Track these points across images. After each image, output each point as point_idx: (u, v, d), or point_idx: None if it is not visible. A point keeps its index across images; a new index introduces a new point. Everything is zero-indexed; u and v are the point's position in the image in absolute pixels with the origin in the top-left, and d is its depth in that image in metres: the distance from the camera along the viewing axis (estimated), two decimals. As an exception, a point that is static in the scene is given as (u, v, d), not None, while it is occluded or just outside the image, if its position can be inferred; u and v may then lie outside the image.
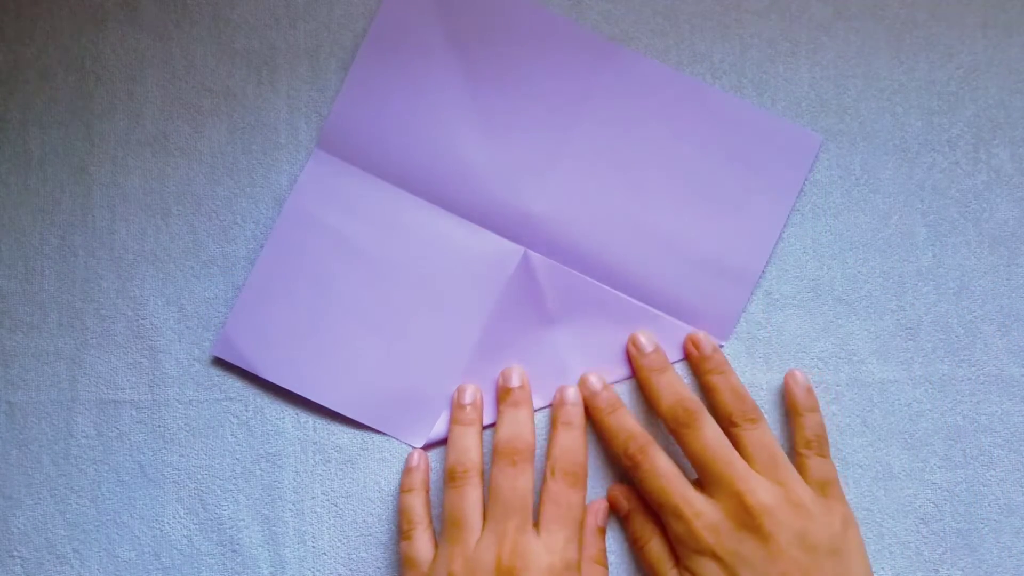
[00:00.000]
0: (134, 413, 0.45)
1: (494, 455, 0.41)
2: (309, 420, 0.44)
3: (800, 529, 0.38)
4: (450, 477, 0.41)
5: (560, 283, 0.44)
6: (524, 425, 0.41)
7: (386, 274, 0.44)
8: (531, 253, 0.44)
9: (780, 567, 0.38)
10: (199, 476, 0.45)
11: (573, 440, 0.41)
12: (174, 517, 0.44)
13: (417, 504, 0.42)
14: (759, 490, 0.39)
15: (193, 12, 0.46)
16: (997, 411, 0.43)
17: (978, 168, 0.44)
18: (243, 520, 0.44)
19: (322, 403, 0.44)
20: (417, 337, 0.44)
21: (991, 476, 0.43)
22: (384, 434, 0.44)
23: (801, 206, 0.44)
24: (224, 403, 0.45)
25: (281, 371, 0.44)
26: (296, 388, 0.44)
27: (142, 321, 0.45)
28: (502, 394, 0.43)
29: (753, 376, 0.44)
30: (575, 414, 0.42)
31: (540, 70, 0.44)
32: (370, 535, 0.44)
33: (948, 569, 0.43)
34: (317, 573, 0.44)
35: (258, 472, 0.44)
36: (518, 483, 0.40)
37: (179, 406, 0.45)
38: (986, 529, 0.43)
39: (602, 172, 0.44)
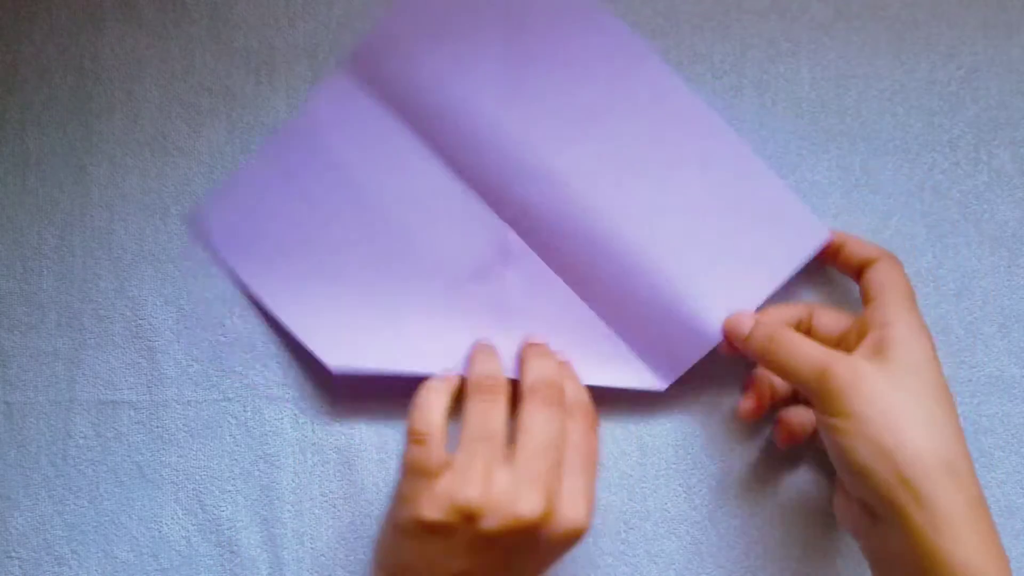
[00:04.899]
0: (132, 414, 0.45)
1: (529, 393, 0.39)
2: (308, 421, 0.44)
3: None
4: (476, 388, 0.39)
5: (528, 271, 0.44)
6: (554, 369, 0.41)
7: (371, 209, 0.44)
8: (512, 235, 0.44)
9: None
10: (197, 477, 0.44)
11: (578, 387, 0.41)
12: (172, 518, 0.44)
13: (437, 408, 0.39)
14: None
15: (192, 12, 0.46)
16: (998, 412, 0.43)
17: (979, 169, 0.44)
18: (241, 521, 0.44)
19: (264, 302, 0.44)
20: (381, 279, 0.44)
21: (992, 478, 0.43)
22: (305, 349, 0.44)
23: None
24: (223, 404, 0.45)
25: (241, 263, 0.44)
26: (249, 283, 0.44)
27: (140, 321, 0.45)
28: (526, 347, 0.42)
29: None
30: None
31: (580, 62, 0.43)
32: (369, 536, 0.44)
33: (948, 571, 0.43)
34: (316, 574, 0.44)
35: (256, 473, 0.44)
36: (550, 423, 0.38)
37: (177, 407, 0.45)
38: (986, 531, 0.43)
39: (605, 181, 0.43)
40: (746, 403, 0.42)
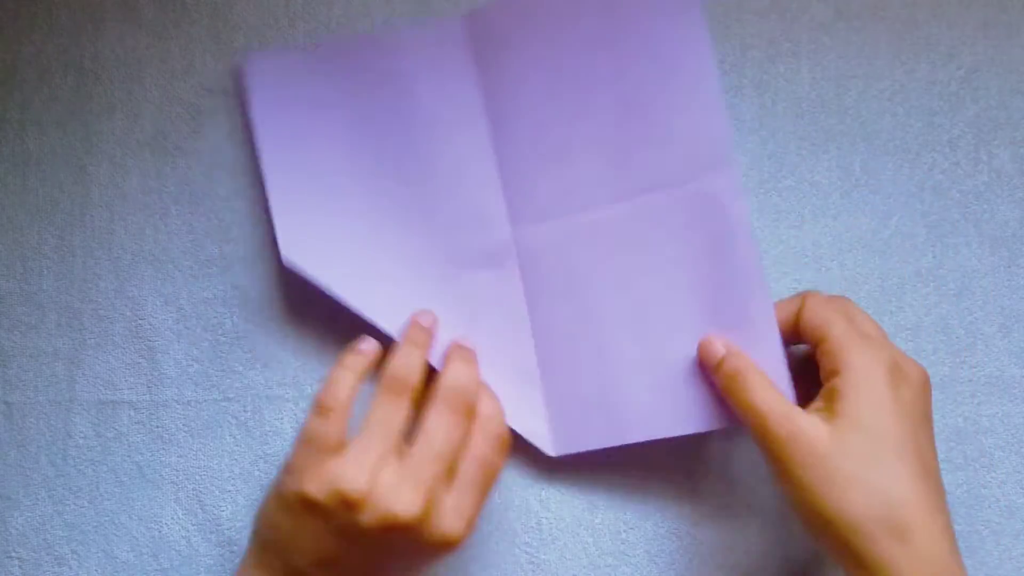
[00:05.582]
0: (132, 414, 0.45)
1: (438, 398, 0.39)
2: (308, 421, 0.44)
3: None
4: (387, 385, 0.39)
5: (503, 282, 0.43)
6: (471, 377, 0.40)
7: (404, 149, 0.44)
8: (508, 240, 0.43)
9: None
10: (197, 477, 0.44)
11: (496, 403, 0.41)
12: (172, 518, 0.44)
13: (346, 386, 0.39)
14: None
15: (192, 11, 0.46)
16: (998, 412, 0.43)
17: (979, 169, 0.44)
18: (241, 521, 0.44)
19: (265, 178, 0.43)
20: (379, 216, 0.43)
21: (992, 478, 0.43)
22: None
23: (800, 207, 0.44)
24: (222, 404, 0.45)
25: (265, 134, 0.43)
26: (263, 155, 0.43)
27: (140, 321, 0.45)
28: (453, 347, 0.42)
29: (753, 377, 0.44)
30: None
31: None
32: (368, 536, 0.44)
33: (948, 571, 0.43)
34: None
35: (256, 473, 0.44)
36: (451, 433, 0.38)
37: (177, 407, 0.45)
38: (987, 531, 0.43)
39: (538, 116, 0.43)
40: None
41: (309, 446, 0.38)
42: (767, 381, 0.38)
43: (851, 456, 0.35)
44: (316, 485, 0.37)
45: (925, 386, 0.38)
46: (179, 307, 0.45)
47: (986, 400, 0.43)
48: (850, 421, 0.35)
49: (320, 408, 0.38)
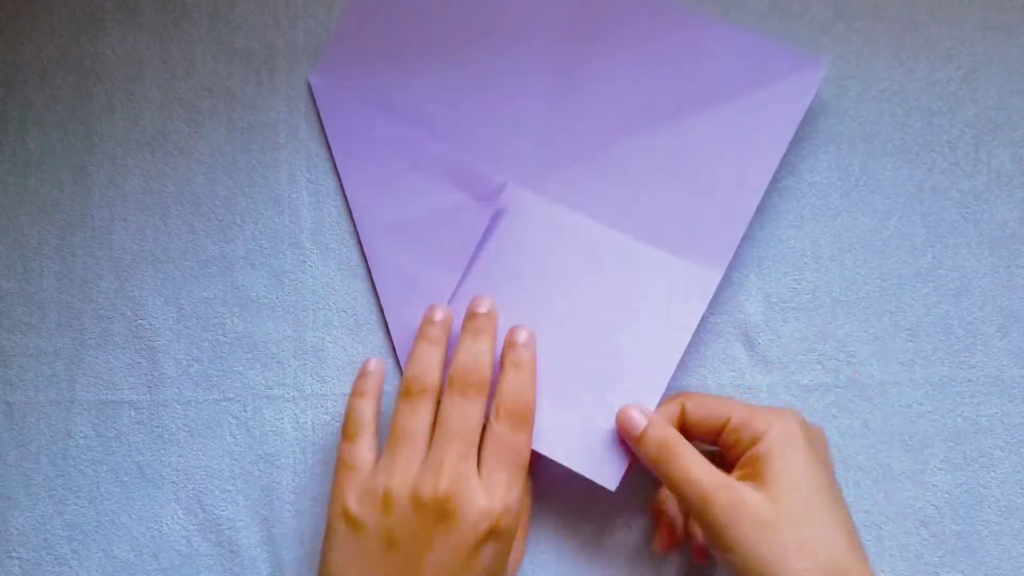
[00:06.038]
0: (132, 414, 0.45)
1: (447, 383, 0.40)
2: (308, 421, 0.44)
3: None
4: (406, 391, 0.40)
5: (538, 214, 0.44)
6: (482, 356, 0.40)
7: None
8: (511, 186, 0.44)
9: None
10: (197, 477, 0.44)
11: (520, 382, 0.40)
12: (172, 518, 0.44)
13: (367, 410, 0.41)
14: None
15: (192, 12, 0.46)
16: (997, 413, 0.43)
17: (978, 169, 0.44)
18: (242, 521, 0.44)
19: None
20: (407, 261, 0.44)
21: (991, 478, 0.43)
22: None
23: (799, 207, 0.44)
24: (223, 403, 0.45)
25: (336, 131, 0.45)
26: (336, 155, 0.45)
27: (141, 321, 0.45)
28: (467, 319, 0.41)
29: (753, 378, 0.44)
30: (525, 356, 0.41)
31: (534, 12, 0.44)
32: (368, 536, 0.44)
33: (948, 572, 0.43)
34: (315, 574, 0.44)
35: (257, 473, 0.44)
36: (466, 414, 0.39)
37: (178, 407, 0.45)
38: (986, 532, 0.43)
39: (593, 110, 0.44)
40: (659, 539, 0.42)
41: (344, 470, 0.39)
42: (696, 451, 0.38)
43: (792, 520, 0.36)
44: (354, 497, 0.38)
45: (823, 435, 0.41)
46: (179, 307, 0.45)
47: (985, 400, 0.43)
48: (784, 485, 0.36)
49: (347, 435, 0.40)
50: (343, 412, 0.44)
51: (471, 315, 0.41)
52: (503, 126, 0.44)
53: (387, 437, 0.39)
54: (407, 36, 0.45)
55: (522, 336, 0.41)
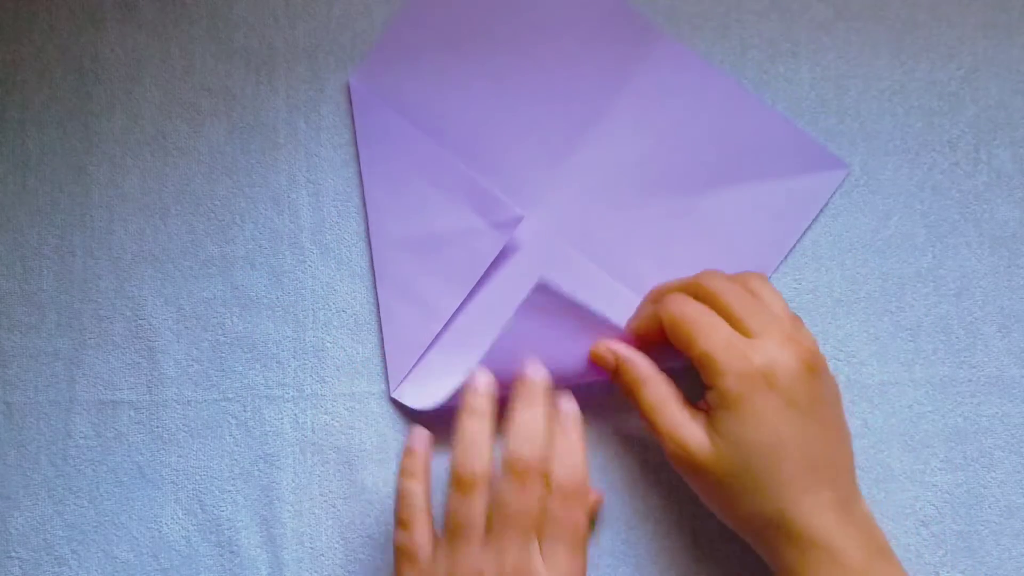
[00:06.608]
0: (132, 414, 0.45)
1: (503, 462, 0.38)
2: (308, 421, 0.44)
3: None
4: (457, 482, 0.38)
5: (550, 254, 0.44)
6: (537, 436, 0.38)
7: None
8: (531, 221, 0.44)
9: None
10: (197, 477, 0.44)
11: (572, 456, 0.39)
12: (172, 518, 0.44)
13: (419, 492, 0.39)
14: None
15: (192, 11, 0.46)
16: (998, 413, 0.43)
17: (979, 169, 0.44)
18: (241, 521, 0.44)
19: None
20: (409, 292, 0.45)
21: (992, 478, 0.43)
22: None
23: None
24: (222, 404, 0.45)
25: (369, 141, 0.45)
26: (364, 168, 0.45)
27: (140, 321, 0.45)
28: (520, 386, 0.39)
29: (753, 377, 0.44)
30: (572, 424, 0.40)
31: (580, 46, 0.44)
32: (368, 537, 0.44)
33: (948, 572, 0.43)
34: (315, 574, 0.44)
35: (256, 473, 0.44)
36: (524, 501, 0.38)
37: (177, 407, 0.45)
38: (987, 532, 0.43)
39: (620, 160, 0.44)
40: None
41: (404, 561, 0.39)
42: (659, 388, 0.40)
43: (731, 473, 0.37)
44: None
45: (808, 367, 0.38)
46: (179, 307, 0.45)
47: (986, 400, 0.43)
48: (726, 440, 0.37)
49: (400, 522, 0.39)
50: (343, 412, 0.44)
51: (524, 382, 0.39)
52: (531, 160, 0.45)
53: (443, 525, 0.38)
54: (452, 54, 0.45)
55: (567, 405, 0.40)
